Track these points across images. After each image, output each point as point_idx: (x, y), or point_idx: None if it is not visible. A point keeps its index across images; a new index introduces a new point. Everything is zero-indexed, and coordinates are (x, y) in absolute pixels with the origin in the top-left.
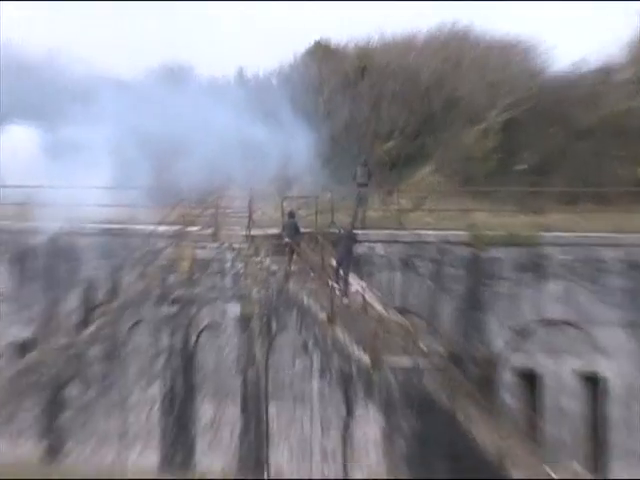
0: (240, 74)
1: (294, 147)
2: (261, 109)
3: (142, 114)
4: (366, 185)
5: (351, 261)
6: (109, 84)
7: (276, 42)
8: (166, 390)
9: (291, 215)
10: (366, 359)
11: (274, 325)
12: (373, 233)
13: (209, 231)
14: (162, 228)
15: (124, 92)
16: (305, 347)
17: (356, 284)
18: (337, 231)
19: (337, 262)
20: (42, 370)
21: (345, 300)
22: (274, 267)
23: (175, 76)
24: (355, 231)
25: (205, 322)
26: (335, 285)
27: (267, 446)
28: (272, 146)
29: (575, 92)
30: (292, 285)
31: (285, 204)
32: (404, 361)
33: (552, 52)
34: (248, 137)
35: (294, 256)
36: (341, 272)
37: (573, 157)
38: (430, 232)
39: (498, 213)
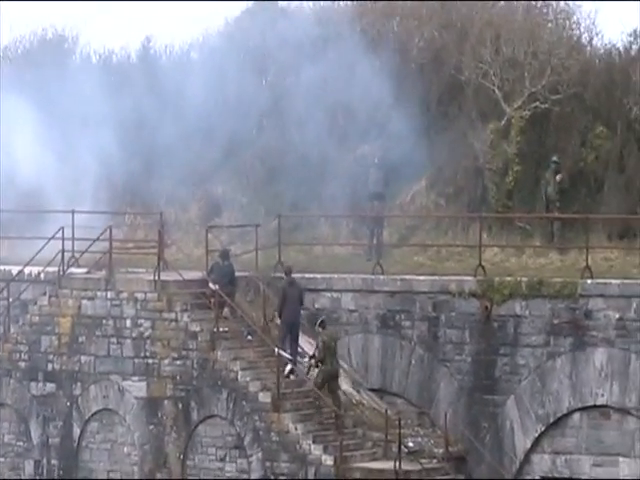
0: (145, 47)
1: (222, 152)
2: (172, 93)
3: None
4: (383, 197)
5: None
6: None
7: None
8: None
9: (224, 255)
10: (329, 463)
11: (195, 412)
12: (338, 278)
13: (100, 274)
14: (31, 269)
15: None
16: (240, 444)
17: (314, 352)
18: (285, 275)
19: (286, 320)
20: None
21: (297, 376)
22: (195, 328)
23: (53, 49)
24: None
25: (94, 407)
26: (283, 354)
27: None
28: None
29: (631, 75)
30: (221, 354)
31: (211, 236)
32: (383, 467)
33: (595, 19)
34: (151, 135)
35: (224, 312)
36: (290, 335)
37: (630, 168)
38: (422, 278)
39: (520, 250)
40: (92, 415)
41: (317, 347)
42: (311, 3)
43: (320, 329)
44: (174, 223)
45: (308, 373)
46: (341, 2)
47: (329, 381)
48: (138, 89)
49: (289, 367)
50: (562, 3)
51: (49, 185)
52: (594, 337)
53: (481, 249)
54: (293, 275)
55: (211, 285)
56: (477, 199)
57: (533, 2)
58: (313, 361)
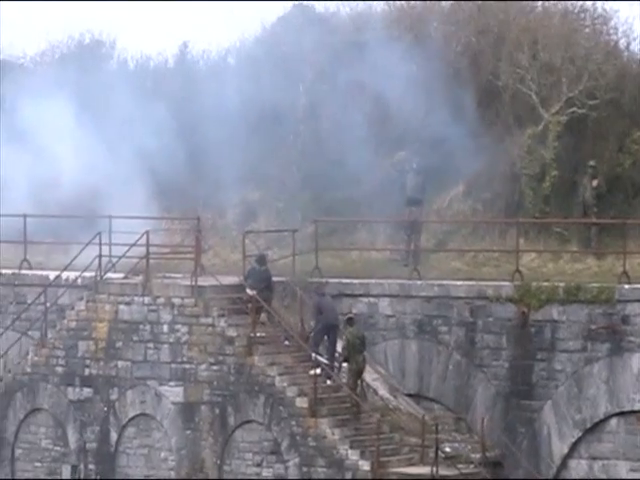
0: (182, 52)
1: (258, 157)
2: (209, 98)
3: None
4: (421, 202)
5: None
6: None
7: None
8: None
9: (261, 260)
10: (365, 468)
11: (232, 417)
12: (375, 283)
13: (137, 279)
14: (69, 274)
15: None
16: (277, 449)
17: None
18: (322, 281)
19: (323, 326)
20: None
21: (334, 381)
22: (232, 333)
23: (91, 54)
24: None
25: (131, 412)
26: (320, 359)
27: None
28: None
29: None
30: (258, 359)
31: (248, 241)
32: (420, 472)
33: (633, 24)
34: (188, 141)
35: (261, 317)
36: (329, 339)
37: None
38: (459, 283)
39: (557, 255)
40: (129, 420)
41: (343, 347)
42: (347, 8)
43: (348, 326)
44: (211, 228)
45: (338, 371)
46: (377, 7)
47: (355, 378)
48: (175, 94)
49: (319, 370)
50: (599, 8)
51: (88, 190)
52: (631, 342)
53: (518, 254)
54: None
55: (248, 290)
56: (514, 204)
57: (570, 7)
58: (341, 359)
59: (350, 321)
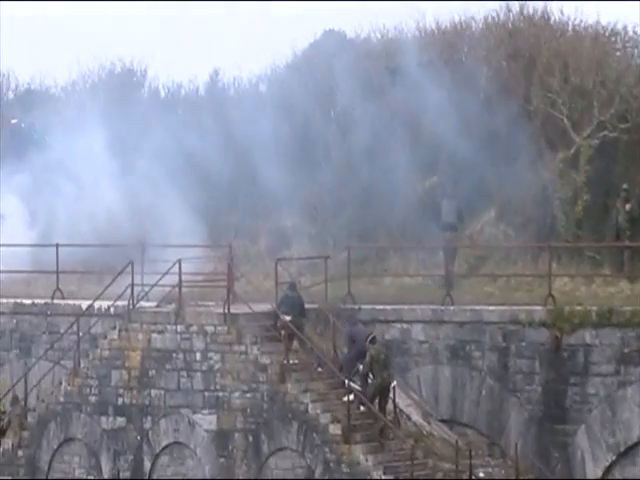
0: (213, 80)
1: (290, 184)
2: (240, 125)
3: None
4: (455, 228)
5: None
6: None
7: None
8: None
9: (292, 287)
10: None
11: (265, 445)
12: (408, 309)
13: (170, 308)
14: (101, 303)
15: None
16: (311, 476)
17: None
18: (355, 307)
19: (355, 353)
20: None
21: (367, 408)
22: (265, 360)
23: (123, 83)
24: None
25: (165, 441)
26: (353, 386)
27: None
28: (256, 183)
29: None
30: (291, 386)
31: (280, 268)
32: None
33: None
34: (220, 169)
35: (294, 344)
36: (361, 367)
37: None
38: (492, 308)
39: (590, 279)
40: (163, 449)
41: (365, 363)
42: (379, 34)
43: (370, 345)
44: (243, 255)
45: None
46: (408, 32)
47: (380, 394)
48: (206, 122)
49: (352, 396)
50: (630, 31)
51: (118, 219)
52: None
53: (551, 278)
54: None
55: (282, 317)
56: (546, 228)
57: (601, 30)
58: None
59: (373, 340)
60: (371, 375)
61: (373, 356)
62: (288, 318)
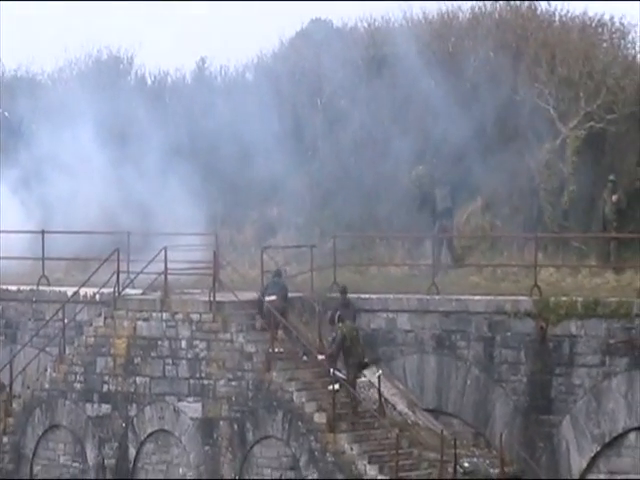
0: (200, 68)
1: (277, 173)
2: (227, 114)
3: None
4: (450, 212)
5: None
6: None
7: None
8: None
9: (278, 274)
10: None
11: (250, 433)
12: (394, 299)
13: (156, 295)
14: (87, 290)
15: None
16: (296, 465)
17: (369, 373)
18: (341, 295)
19: (340, 341)
20: None
21: (353, 397)
22: (250, 348)
23: (110, 71)
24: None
25: (150, 428)
26: (339, 374)
27: None
28: (243, 173)
29: None
30: (276, 375)
31: (266, 257)
32: None
33: None
34: (206, 157)
35: (279, 333)
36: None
37: None
38: (477, 298)
39: (576, 270)
40: (148, 436)
41: (332, 342)
42: (365, 23)
43: (339, 324)
44: (229, 244)
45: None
46: (395, 22)
47: (355, 372)
48: (193, 110)
49: (337, 386)
50: (617, 22)
51: (106, 207)
52: None
53: (537, 269)
54: (348, 295)
55: (267, 298)
56: (533, 219)
57: (588, 22)
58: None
59: (340, 318)
60: (342, 356)
61: (345, 334)
62: (273, 297)
